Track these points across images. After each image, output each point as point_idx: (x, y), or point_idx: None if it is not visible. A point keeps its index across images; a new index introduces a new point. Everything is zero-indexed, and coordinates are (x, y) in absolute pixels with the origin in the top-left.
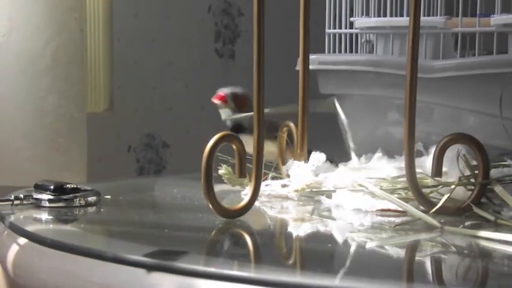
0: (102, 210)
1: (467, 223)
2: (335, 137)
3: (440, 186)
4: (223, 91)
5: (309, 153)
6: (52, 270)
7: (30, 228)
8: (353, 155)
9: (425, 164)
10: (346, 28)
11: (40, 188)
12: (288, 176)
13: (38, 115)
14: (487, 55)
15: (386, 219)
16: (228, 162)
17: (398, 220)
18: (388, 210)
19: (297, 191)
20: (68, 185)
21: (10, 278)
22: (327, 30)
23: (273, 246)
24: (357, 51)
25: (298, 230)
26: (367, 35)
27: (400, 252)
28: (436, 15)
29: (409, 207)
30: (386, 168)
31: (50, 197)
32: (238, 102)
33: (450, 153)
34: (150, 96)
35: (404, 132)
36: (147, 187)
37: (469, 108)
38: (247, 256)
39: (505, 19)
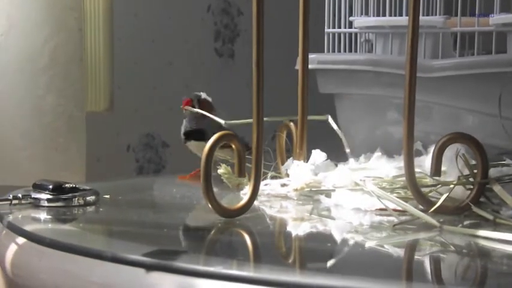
0: (101, 209)
1: (466, 222)
2: (335, 137)
3: (439, 185)
4: (188, 96)
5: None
6: (51, 270)
7: (29, 227)
8: (351, 159)
9: (424, 163)
10: (345, 27)
11: (39, 187)
12: (288, 175)
13: (36, 114)
14: (486, 55)
15: (385, 218)
16: (227, 161)
17: (397, 219)
18: (387, 209)
19: (296, 190)
20: (67, 185)
21: (9, 278)
22: (326, 30)
23: (272, 246)
24: (356, 51)
25: (298, 229)
26: (367, 35)
27: (399, 252)
28: (435, 14)
29: (408, 207)
30: (386, 167)
31: (49, 196)
32: (202, 107)
33: (449, 152)
34: (149, 96)
35: (403, 132)
36: (147, 187)
37: (468, 107)
38: (246, 255)
39: (504, 19)
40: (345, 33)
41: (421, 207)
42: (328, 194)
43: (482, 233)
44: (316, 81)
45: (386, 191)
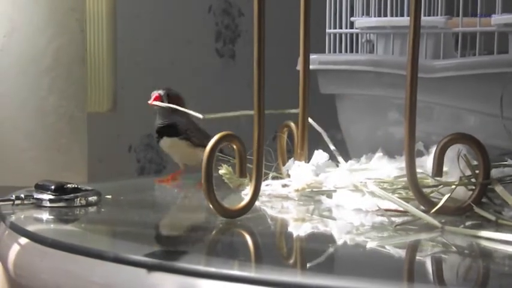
0: (102, 210)
1: (468, 223)
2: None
3: (441, 186)
4: (157, 92)
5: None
6: (53, 270)
7: (31, 228)
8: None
9: (425, 163)
10: (346, 28)
11: (41, 188)
12: (289, 175)
13: (39, 115)
14: (488, 55)
15: (386, 219)
16: (228, 162)
17: (399, 220)
18: (389, 210)
19: (297, 190)
20: (69, 185)
21: (11, 278)
22: (327, 30)
23: (273, 246)
24: (357, 51)
25: (299, 230)
26: (368, 35)
27: (401, 252)
28: (437, 15)
29: (409, 207)
30: (387, 168)
31: (51, 196)
32: (171, 101)
33: (451, 153)
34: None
35: (404, 132)
36: (148, 187)
37: (469, 108)
38: (247, 256)
39: (505, 19)
40: (346, 34)
41: (422, 207)
42: (329, 194)
43: (484, 233)
44: (317, 82)
45: (387, 191)
